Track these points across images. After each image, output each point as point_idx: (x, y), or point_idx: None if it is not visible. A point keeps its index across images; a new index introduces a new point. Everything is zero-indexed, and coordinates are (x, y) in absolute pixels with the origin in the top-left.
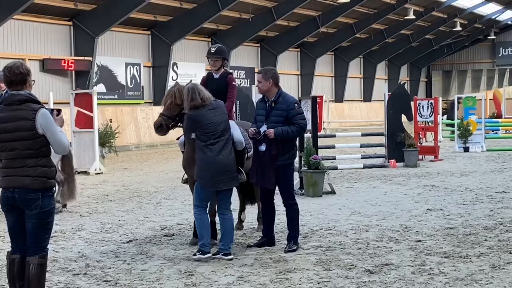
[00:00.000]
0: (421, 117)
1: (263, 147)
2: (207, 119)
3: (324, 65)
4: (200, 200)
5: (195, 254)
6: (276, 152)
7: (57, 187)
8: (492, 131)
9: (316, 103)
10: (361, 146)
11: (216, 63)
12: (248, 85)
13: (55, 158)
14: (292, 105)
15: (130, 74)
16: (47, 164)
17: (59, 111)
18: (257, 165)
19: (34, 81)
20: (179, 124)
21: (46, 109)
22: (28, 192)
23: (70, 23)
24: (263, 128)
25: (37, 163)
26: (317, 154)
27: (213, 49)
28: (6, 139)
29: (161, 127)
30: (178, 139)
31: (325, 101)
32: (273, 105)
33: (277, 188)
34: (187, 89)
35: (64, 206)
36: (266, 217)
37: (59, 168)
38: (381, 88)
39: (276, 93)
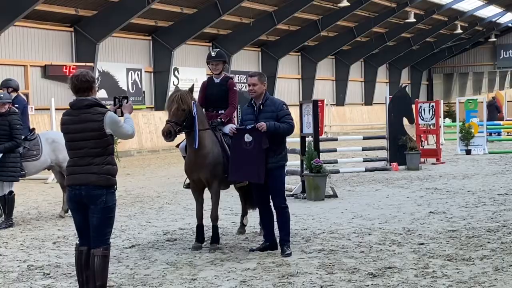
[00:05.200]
0: (422, 120)
1: (250, 138)
2: None
3: (325, 69)
4: None
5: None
6: (267, 147)
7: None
8: (494, 133)
9: (317, 106)
10: (363, 149)
11: (217, 67)
12: (248, 88)
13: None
14: (281, 106)
15: (131, 80)
16: (111, 162)
17: (127, 99)
18: (242, 160)
19: (98, 87)
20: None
21: (115, 98)
22: (94, 189)
23: (71, 29)
24: (250, 125)
25: (103, 161)
26: (319, 157)
27: (213, 53)
28: (76, 138)
29: (170, 134)
30: (178, 146)
31: (327, 104)
32: (261, 107)
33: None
34: None
35: (66, 211)
36: (265, 222)
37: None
38: (382, 91)
39: (263, 97)
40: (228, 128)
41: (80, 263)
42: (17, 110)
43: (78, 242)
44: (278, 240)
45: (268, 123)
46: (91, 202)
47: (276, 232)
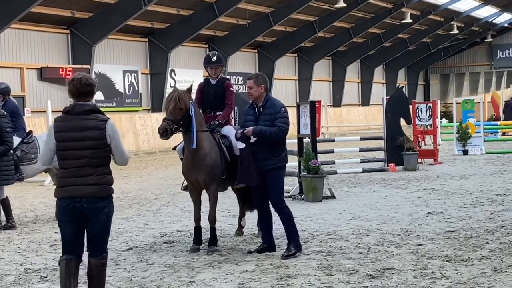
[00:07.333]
0: (419, 120)
1: (242, 145)
2: None
3: (322, 70)
4: None
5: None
6: (261, 146)
7: None
8: (491, 133)
9: (314, 108)
10: (360, 150)
11: (217, 71)
12: (246, 91)
13: None
14: (278, 108)
15: (128, 82)
16: (110, 171)
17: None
18: (240, 164)
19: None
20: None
21: None
22: (96, 201)
23: (68, 31)
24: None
25: (104, 171)
26: (316, 158)
27: (214, 58)
28: (75, 147)
29: (166, 132)
30: (174, 148)
31: (323, 105)
32: (261, 110)
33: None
34: None
35: None
36: (264, 223)
37: None
38: (379, 92)
39: (264, 98)
40: (226, 130)
41: (69, 271)
42: (5, 113)
43: (63, 255)
44: (275, 241)
45: (254, 128)
46: (93, 214)
47: (274, 233)
